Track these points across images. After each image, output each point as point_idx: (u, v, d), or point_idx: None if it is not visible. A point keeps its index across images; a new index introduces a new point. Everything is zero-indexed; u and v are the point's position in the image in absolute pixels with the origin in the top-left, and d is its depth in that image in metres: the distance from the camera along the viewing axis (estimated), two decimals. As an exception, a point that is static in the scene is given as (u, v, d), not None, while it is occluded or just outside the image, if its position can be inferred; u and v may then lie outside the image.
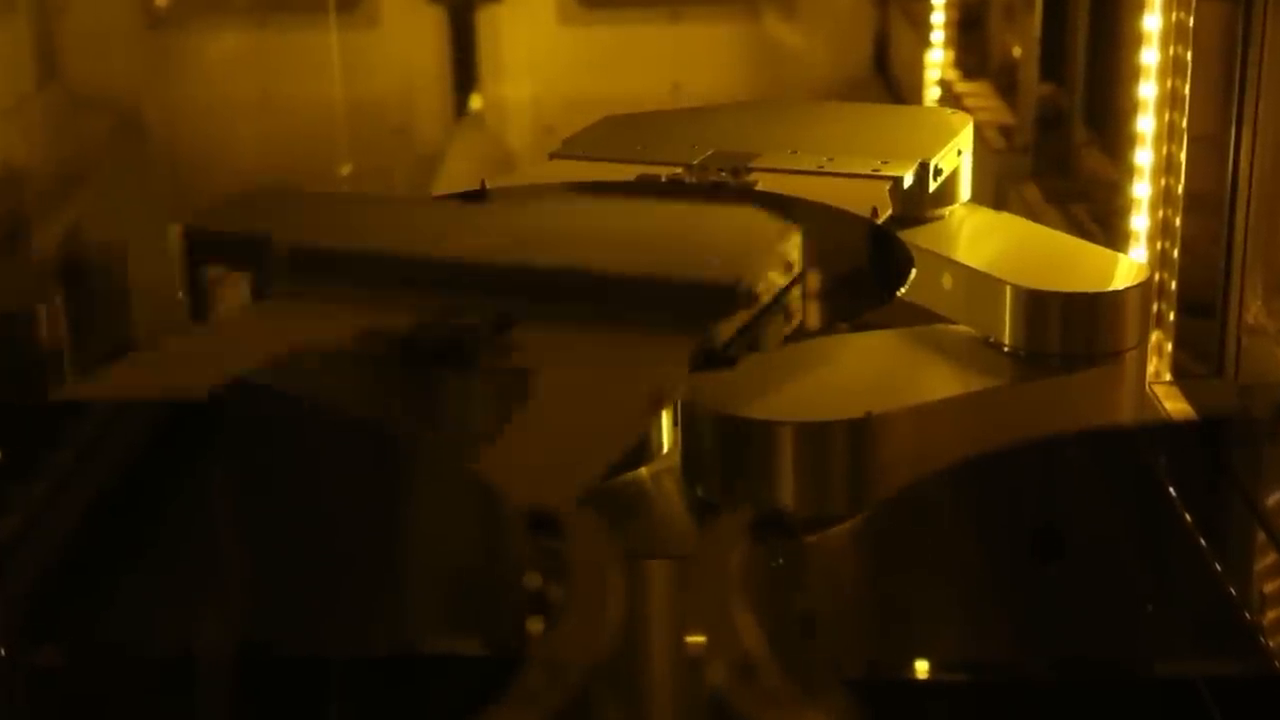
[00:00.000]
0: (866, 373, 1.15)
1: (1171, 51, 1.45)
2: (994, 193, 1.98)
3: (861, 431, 1.06)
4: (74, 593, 1.11)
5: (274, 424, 1.16)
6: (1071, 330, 1.17)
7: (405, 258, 1.09)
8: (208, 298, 1.12)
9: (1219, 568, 1.14)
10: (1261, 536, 1.17)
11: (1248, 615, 1.10)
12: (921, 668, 1.10)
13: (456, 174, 2.24)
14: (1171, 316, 1.47)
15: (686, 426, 1.11)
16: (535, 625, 0.97)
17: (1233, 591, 1.11)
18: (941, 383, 1.14)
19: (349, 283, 1.08)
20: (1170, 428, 1.34)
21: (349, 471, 1.16)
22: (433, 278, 1.07)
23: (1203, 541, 1.15)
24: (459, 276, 1.07)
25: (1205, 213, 1.43)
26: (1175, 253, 1.46)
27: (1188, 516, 1.17)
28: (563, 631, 0.89)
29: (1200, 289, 1.44)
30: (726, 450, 1.08)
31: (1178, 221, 1.46)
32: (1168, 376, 1.46)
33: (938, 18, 2.43)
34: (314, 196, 1.26)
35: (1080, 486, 1.20)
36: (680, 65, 2.37)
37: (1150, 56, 1.46)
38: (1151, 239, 1.49)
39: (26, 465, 1.22)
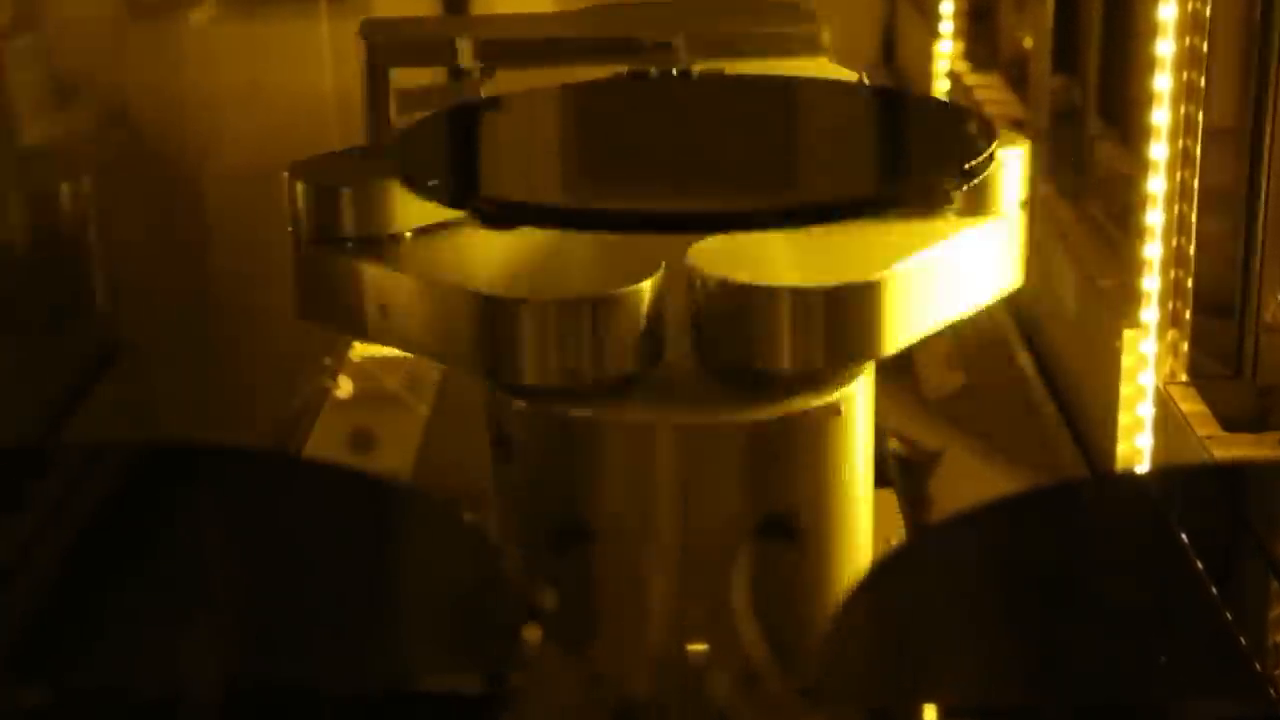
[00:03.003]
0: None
1: (1188, 42, 1.42)
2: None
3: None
4: (56, 634, 1.08)
5: (255, 469, 1.16)
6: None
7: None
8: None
9: (1229, 616, 1.11)
10: (1275, 585, 1.15)
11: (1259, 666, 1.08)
12: (929, 715, 1.08)
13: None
14: (1188, 315, 1.45)
15: (690, 295, 1.12)
16: (521, 670, 0.96)
17: (1243, 641, 1.09)
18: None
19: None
20: (1183, 471, 1.32)
21: (332, 516, 1.15)
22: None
23: (1214, 590, 1.13)
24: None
25: (1223, 208, 1.42)
26: (1191, 249, 1.45)
27: (1199, 563, 1.15)
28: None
29: (1218, 286, 1.43)
30: (729, 315, 1.10)
31: (1194, 217, 1.44)
32: (1184, 377, 1.45)
33: (947, 7, 2.42)
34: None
35: (1090, 532, 1.17)
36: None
37: (1166, 48, 1.44)
38: (1167, 235, 1.46)
39: (10, 505, 1.20)
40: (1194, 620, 1.09)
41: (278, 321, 1.37)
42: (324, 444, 1.58)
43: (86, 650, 1.04)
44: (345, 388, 1.70)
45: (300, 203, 1.18)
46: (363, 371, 1.73)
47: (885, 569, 1.07)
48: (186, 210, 2.11)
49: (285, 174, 1.21)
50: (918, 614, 1.09)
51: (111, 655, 1.04)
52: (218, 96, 2.19)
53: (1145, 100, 1.47)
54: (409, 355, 1.79)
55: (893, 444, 1.60)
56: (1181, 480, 1.28)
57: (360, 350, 1.77)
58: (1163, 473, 1.36)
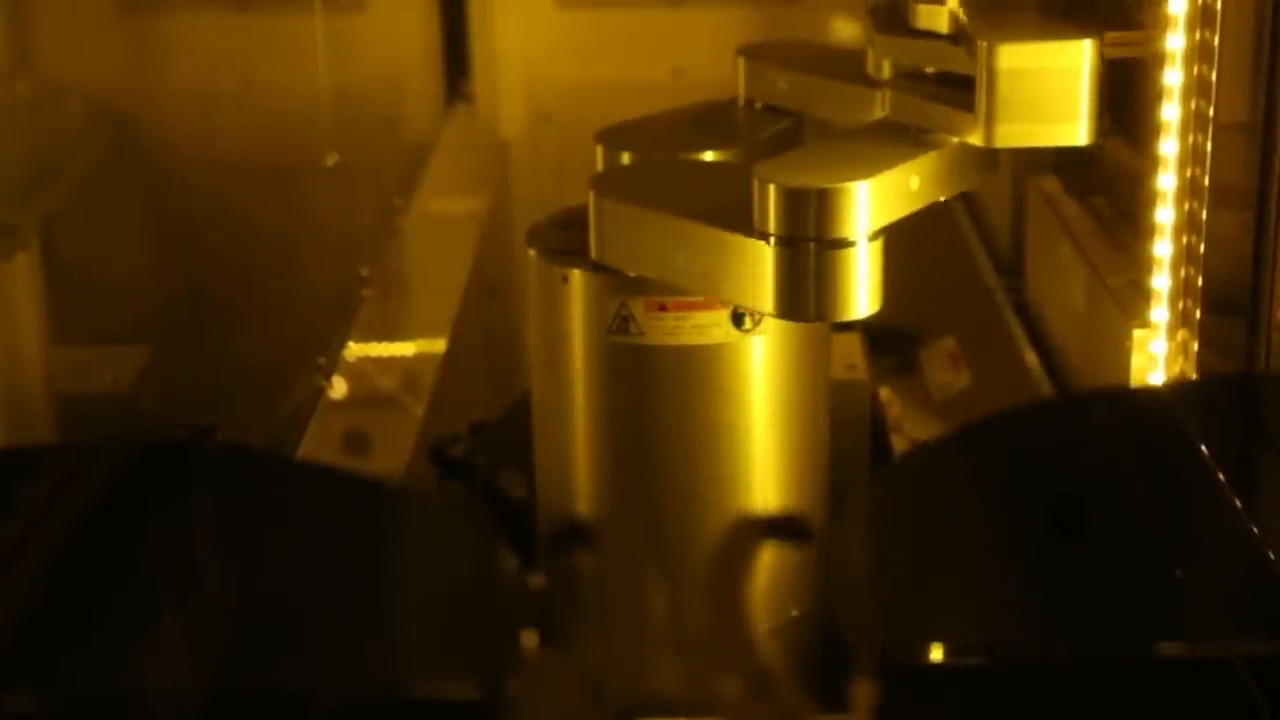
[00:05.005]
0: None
1: (1198, 36, 1.40)
2: (1012, 184, 1.94)
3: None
4: (49, 636, 1.07)
5: (249, 470, 1.15)
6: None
7: None
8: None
9: (1256, 531, 1.11)
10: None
11: None
12: (936, 653, 1.07)
13: (448, 164, 2.21)
14: (1198, 314, 1.43)
15: None
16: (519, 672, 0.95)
17: (1271, 556, 1.08)
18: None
19: None
20: (1205, 385, 1.30)
21: (327, 519, 1.13)
22: None
23: (1239, 504, 1.12)
24: None
25: (1233, 205, 1.40)
26: (1201, 247, 1.43)
27: (1221, 476, 1.14)
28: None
29: (1228, 285, 1.41)
30: None
31: (1204, 214, 1.42)
32: (1194, 377, 1.42)
33: (948, 2, 2.39)
34: None
35: (1110, 449, 1.16)
36: (681, 50, 2.33)
37: (1176, 41, 1.42)
38: (1176, 232, 1.45)
39: (5, 504, 1.18)
40: (1216, 530, 1.08)
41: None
42: (318, 445, 1.56)
43: (79, 653, 1.02)
44: (339, 388, 1.68)
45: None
46: (357, 372, 1.71)
47: (893, 476, 1.07)
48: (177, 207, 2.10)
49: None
50: (928, 538, 1.08)
51: (104, 658, 1.03)
52: (209, 95, 2.19)
53: (1155, 95, 1.45)
54: (404, 355, 1.78)
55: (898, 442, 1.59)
56: (1199, 392, 1.26)
57: (354, 350, 1.75)
58: (1179, 385, 1.34)
